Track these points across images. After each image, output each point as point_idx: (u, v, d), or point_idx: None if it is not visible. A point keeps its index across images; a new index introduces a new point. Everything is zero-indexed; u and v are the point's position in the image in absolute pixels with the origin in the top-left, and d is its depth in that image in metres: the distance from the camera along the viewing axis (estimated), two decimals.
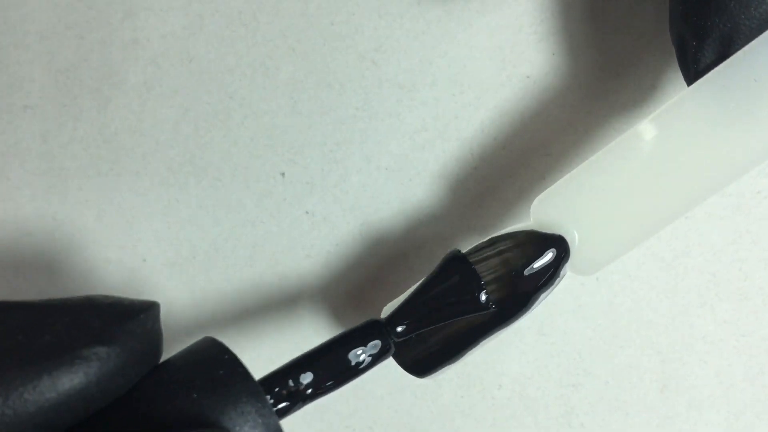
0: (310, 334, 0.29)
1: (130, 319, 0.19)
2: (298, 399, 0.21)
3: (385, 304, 0.28)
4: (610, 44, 0.29)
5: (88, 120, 0.29)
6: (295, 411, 0.21)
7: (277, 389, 0.21)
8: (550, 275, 0.24)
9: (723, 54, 0.24)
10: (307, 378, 0.22)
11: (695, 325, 0.29)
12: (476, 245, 0.25)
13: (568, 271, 0.25)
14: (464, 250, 0.26)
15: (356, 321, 0.29)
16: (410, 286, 0.27)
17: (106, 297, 0.20)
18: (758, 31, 0.23)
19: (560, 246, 0.24)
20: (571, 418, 0.29)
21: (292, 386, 0.21)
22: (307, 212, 0.29)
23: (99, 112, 0.29)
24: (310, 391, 0.22)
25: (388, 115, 0.29)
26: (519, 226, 0.25)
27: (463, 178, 0.29)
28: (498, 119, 0.29)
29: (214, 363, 0.20)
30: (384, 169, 0.29)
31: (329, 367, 0.22)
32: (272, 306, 0.29)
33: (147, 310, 0.20)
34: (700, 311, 0.29)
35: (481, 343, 0.25)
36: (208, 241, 0.29)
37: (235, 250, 0.29)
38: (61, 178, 0.29)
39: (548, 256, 0.24)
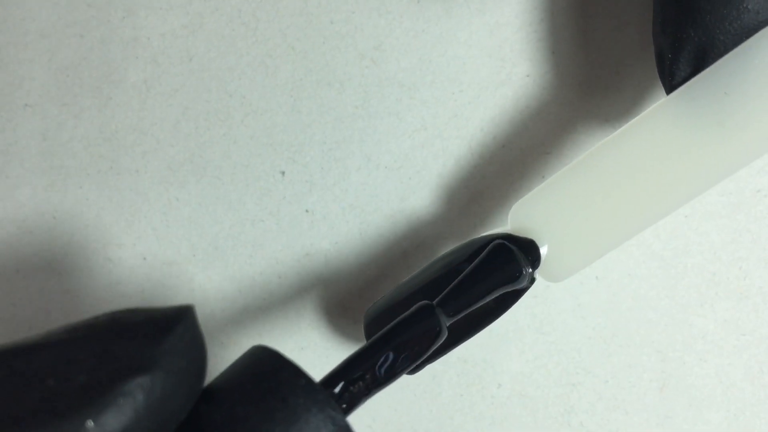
0: (310, 332, 0.29)
1: (167, 336, 0.17)
2: (361, 397, 0.21)
3: None
4: (610, 42, 0.29)
5: (89, 118, 0.29)
6: (358, 407, 0.21)
7: (343, 391, 0.21)
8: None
9: (697, 68, 0.24)
10: (368, 376, 0.21)
11: (695, 324, 0.29)
12: (453, 250, 0.26)
13: (538, 277, 0.26)
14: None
15: (356, 320, 0.29)
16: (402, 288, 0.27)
17: (133, 312, 0.18)
18: (732, 46, 0.23)
19: (531, 251, 0.25)
20: (570, 417, 0.29)
21: (355, 387, 0.21)
22: (306, 211, 0.29)
23: (99, 110, 0.29)
24: (371, 386, 0.21)
25: (387, 114, 0.29)
26: (496, 230, 0.26)
27: (462, 176, 0.29)
28: (497, 118, 0.29)
29: (292, 391, 0.19)
30: (384, 168, 0.29)
31: (387, 360, 0.22)
32: (272, 305, 0.29)
33: (183, 320, 0.18)
34: (699, 310, 0.29)
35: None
36: (208, 239, 0.29)
37: (235, 249, 0.29)
38: (61, 177, 0.30)
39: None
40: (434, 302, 0.23)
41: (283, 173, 0.29)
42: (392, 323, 0.23)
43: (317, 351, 0.30)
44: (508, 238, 0.25)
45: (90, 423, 0.15)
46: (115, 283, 0.30)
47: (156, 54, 0.29)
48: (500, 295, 0.25)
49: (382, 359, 0.22)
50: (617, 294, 0.29)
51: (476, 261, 0.25)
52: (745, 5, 0.23)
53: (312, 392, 0.19)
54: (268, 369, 0.19)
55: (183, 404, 0.18)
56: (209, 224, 0.29)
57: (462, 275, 0.24)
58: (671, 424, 0.29)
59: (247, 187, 0.29)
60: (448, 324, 0.23)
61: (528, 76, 0.29)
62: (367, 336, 0.27)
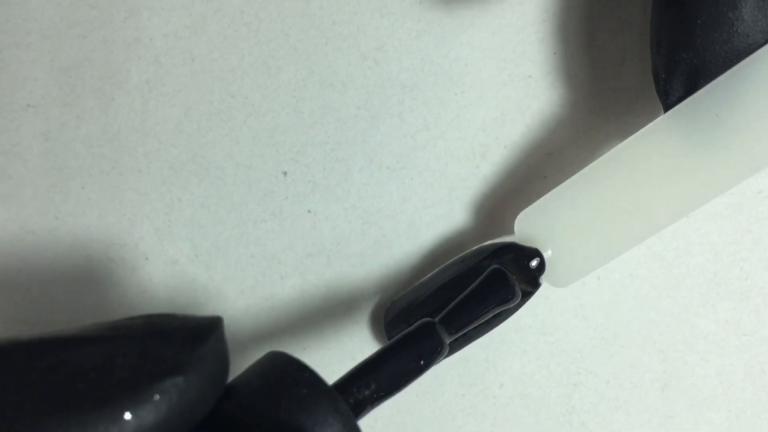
0: (312, 332, 0.30)
1: (202, 344, 0.18)
2: (366, 404, 0.22)
3: (387, 302, 0.29)
4: (612, 43, 0.29)
5: (91, 119, 0.29)
6: (364, 416, 0.22)
7: (349, 397, 0.22)
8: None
9: (690, 88, 0.25)
10: (373, 385, 0.22)
11: (696, 325, 0.29)
12: (462, 256, 0.28)
13: (544, 282, 0.27)
14: (465, 249, 0.28)
15: (358, 320, 0.29)
16: (411, 285, 0.29)
17: (169, 318, 0.19)
18: (724, 68, 0.24)
19: (536, 258, 0.26)
20: (572, 417, 0.30)
21: (361, 394, 0.22)
22: (309, 211, 0.29)
23: (101, 111, 0.29)
24: (376, 396, 0.22)
25: (389, 115, 0.29)
26: (503, 238, 0.27)
27: (464, 177, 0.29)
28: (499, 118, 0.29)
29: (296, 382, 0.20)
30: (386, 169, 0.29)
31: (392, 372, 0.22)
32: (274, 305, 0.30)
33: (216, 330, 0.19)
34: (701, 311, 0.29)
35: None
36: (211, 239, 0.29)
37: (237, 249, 0.29)
38: (63, 177, 0.30)
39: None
40: (436, 319, 0.24)
41: (285, 174, 0.29)
42: (396, 337, 0.23)
43: (320, 351, 0.30)
44: (514, 246, 0.27)
45: (128, 415, 0.17)
46: (117, 283, 0.30)
47: (158, 55, 0.29)
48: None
49: (388, 370, 0.22)
50: (619, 294, 0.29)
51: (475, 284, 0.25)
52: (734, 29, 0.23)
53: (316, 384, 0.20)
54: (275, 365, 0.20)
55: (207, 405, 0.19)
56: (212, 224, 0.29)
57: (461, 296, 0.25)
58: (673, 424, 0.29)
59: (249, 187, 0.29)
60: (449, 341, 0.24)
61: (530, 76, 0.29)
62: (387, 332, 0.28)
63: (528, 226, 0.27)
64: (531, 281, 0.26)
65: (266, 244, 0.29)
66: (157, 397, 0.17)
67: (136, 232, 0.30)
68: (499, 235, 0.29)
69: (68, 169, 0.30)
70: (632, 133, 0.26)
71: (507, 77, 0.29)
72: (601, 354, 0.29)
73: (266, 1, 0.29)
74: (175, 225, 0.29)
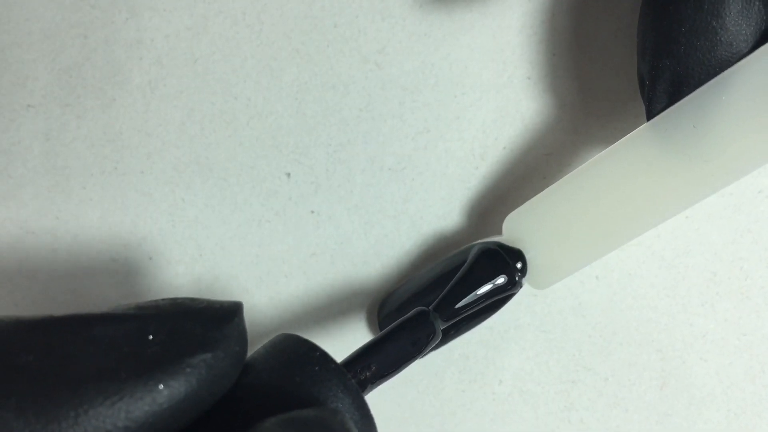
0: (316, 330, 0.30)
1: (227, 324, 0.20)
2: (368, 384, 0.24)
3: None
4: (611, 45, 0.29)
5: (92, 119, 0.30)
6: (368, 391, 0.24)
7: (353, 377, 0.23)
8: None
9: (673, 96, 0.25)
10: (374, 367, 0.24)
11: (695, 324, 0.30)
12: (452, 254, 0.29)
13: (525, 284, 0.28)
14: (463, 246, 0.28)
15: (361, 318, 0.29)
16: (412, 283, 0.29)
17: (193, 301, 0.20)
18: (707, 77, 0.24)
19: (519, 260, 0.27)
20: (570, 414, 0.30)
21: (363, 375, 0.24)
22: (312, 211, 0.30)
23: (103, 111, 0.30)
24: (376, 376, 0.24)
25: (391, 117, 0.29)
26: (491, 238, 0.28)
27: (464, 178, 0.30)
28: (499, 120, 0.29)
29: (309, 360, 0.21)
30: (387, 170, 0.29)
31: (390, 356, 0.24)
32: (279, 304, 0.30)
33: (238, 312, 0.20)
34: (700, 310, 0.30)
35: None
36: (215, 239, 0.30)
37: (242, 249, 0.30)
38: (64, 177, 0.30)
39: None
40: (430, 307, 0.25)
41: (288, 175, 0.29)
42: (394, 324, 0.25)
43: (324, 348, 0.30)
44: (499, 246, 0.27)
45: (161, 386, 0.18)
46: (121, 282, 0.30)
47: (160, 55, 0.29)
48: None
49: (386, 354, 0.24)
50: (618, 293, 0.30)
51: (463, 268, 0.27)
52: (718, 37, 0.23)
53: (326, 362, 0.21)
54: (288, 345, 0.22)
55: (230, 381, 0.20)
56: (216, 225, 0.30)
57: (452, 282, 0.26)
58: (671, 422, 0.30)
59: (253, 188, 0.29)
60: (443, 327, 0.26)
61: (529, 78, 0.29)
62: (381, 324, 0.29)
63: (514, 228, 0.27)
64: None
65: (270, 244, 0.30)
66: (188, 370, 0.18)
67: (139, 231, 0.30)
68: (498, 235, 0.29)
69: (69, 169, 0.30)
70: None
71: (506, 79, 0.29)
72: (599, 352, 0.30)
73: (268, 3, 0.29)
74: (179, 225, 0.30)
